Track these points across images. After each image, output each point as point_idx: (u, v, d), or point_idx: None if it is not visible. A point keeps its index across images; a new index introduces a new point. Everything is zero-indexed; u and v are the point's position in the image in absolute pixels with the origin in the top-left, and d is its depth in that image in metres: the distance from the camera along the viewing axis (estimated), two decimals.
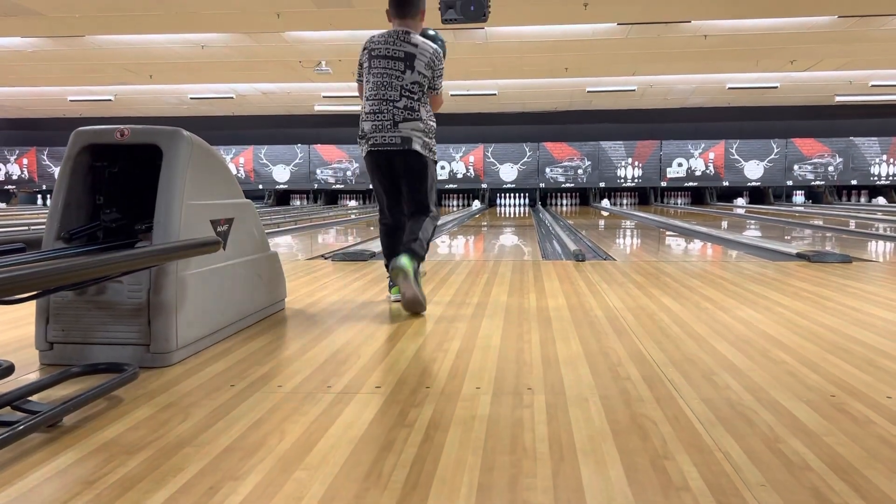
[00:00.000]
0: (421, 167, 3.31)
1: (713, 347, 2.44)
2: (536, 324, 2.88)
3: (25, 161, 18.79)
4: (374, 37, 3.34)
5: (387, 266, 3.47)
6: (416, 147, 3.27)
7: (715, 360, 2.25)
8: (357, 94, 3.55)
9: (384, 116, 3.26)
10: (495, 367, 2.20)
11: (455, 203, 17.93)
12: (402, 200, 3.42)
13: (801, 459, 1.46)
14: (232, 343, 2.53)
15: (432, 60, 3.29)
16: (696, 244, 7.23)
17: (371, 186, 3.66)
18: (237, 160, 18.27)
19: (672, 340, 2.55)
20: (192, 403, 1.85)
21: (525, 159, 17.60)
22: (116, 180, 2.44)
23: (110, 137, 2.35)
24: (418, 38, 3.31)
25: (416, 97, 3.26)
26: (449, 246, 7.09)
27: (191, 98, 15.32)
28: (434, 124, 3.38)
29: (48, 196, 18.44)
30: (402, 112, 3.25)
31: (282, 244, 7.24)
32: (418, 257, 3.20)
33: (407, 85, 3.25)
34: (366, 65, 3.35)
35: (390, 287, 3.55)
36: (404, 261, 3.10)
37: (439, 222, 3.98)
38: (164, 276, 2.22)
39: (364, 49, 3.36)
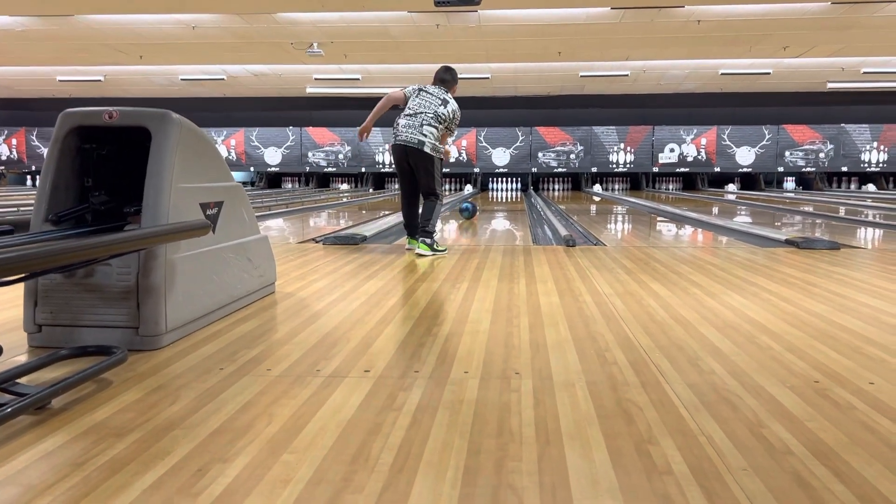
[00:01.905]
0: (428, 163, 4.69)
1: (700, 333, 2.46)
2: (526, 308, 2.89)
3: (14, 141, 18.61)
4: (428, 85, 4.87)
5: (405, 226, 4.97)
6: (426, 150, 4.66)
7: (701, 346, 2.27)
8: (392, 94, 4.76)
9: (416, 120, 4.68)
10: (484, 351, 2.21)
11: (447, 187, 17.87)
12: (417, 183, 4.81)
13: (783, 444, 1.48)
14: (221, 326, 2.53)
15: (455, 114, 4.80)
16: (687, 230, 7.25)
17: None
18: (228, 142, 18.15)
19: (659, 326, 2.57)
20: (181, 386, 1.85)
21: (518, 144, 17.57)
22: (105, 163, 2.43)
23: (99, 119, 2.33)
24: (453, 100, 4.85)
25: (440, 120, 4.72)
26: (441, 230, 7.09)
27: (181, 79, 15.18)
28: (442, 147, 4.78)
29: (38, 177, 18.29)
30: (430, 119, 4.67)
31: (273, 227, 7.22)
32: (429, 235, 4.71)
33: (440, 111, 4.72)
34: (416, 92, 4.80)
35: (408, 240, 4.98)
36: (421, 247, 4.68)
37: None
38: (153, 260, 2.22)
39: (417, 87, 4.84)
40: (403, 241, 5.53)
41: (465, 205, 8.13)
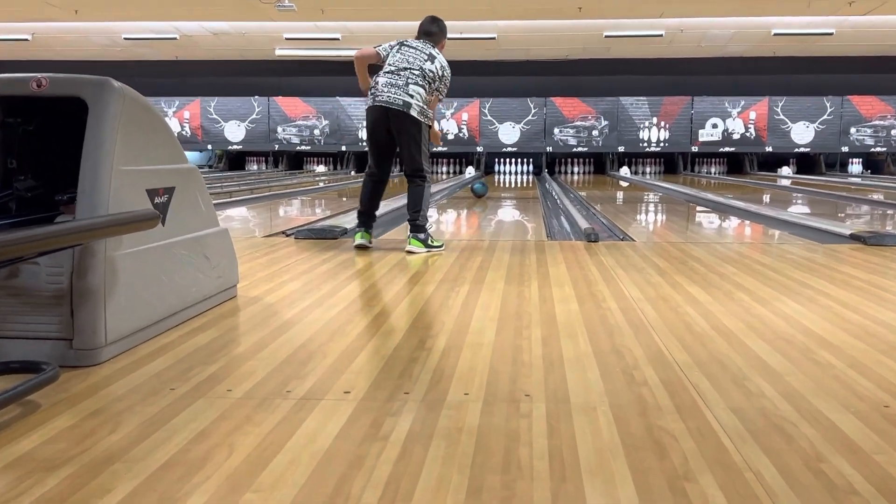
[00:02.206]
0: (415, 130, 4.60)
1: (746, 346, 2.47)
2: (538, 317, 2.90)
3: None
4: (409, 39, 4.80)
5: (360, 213, 4.83)
6: (414, 113, 4.55)
7: (748, 362, 2.28)
8: (359, 53, 4.73)
9: (400, 78, 4.58)
10: (488, 368, 2.22)
11: (445, 170, 17.91)
12: (399, 158, 4.83)
13: (845, 482, 1.48)
14: (172, 338, 2.53)
15: (444, 71, 4.74)
16: (732, 222, 7.27)
17: (366, 144, 5.02)
18: (181, 114, 18.16)
19: (698, 338, 2.58)
20: (124, 410, 1.85)
21: (529, 118, 17.59)
22: (32, 140, 2.43)
23: (25, 88, 2.32)
24: (441, 55, 4.79)
25: (427, 78, 4.63)
26: (437, 222, 7.09)
27: (125, 38, 15.16)
28: (430, 113, 4.71)
29: None
30: (416, 77, 4.58)
31: (234, 217, 7.23)
32: (421, 229, 4.65)
33: (426, 67, 4.65)
34: (395, 47, 4.73)
35: (357, 233, 4.79)
36: (412, 243, 4.62)
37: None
38: (91, 258, 2.21)
39: (396, 42, 4.78)
40: (392, 234, 5.54)
41: (478, 184, 9.89)
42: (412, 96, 4.55)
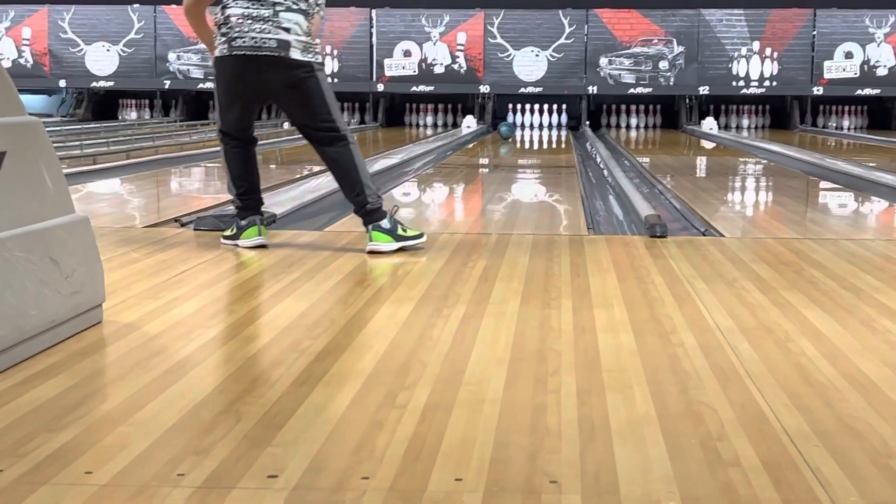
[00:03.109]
0: (308, 78, 4.67)
1: None
2: (572, 357, 2.89)
3: None
4: None
5: (241, 197, 4.92)
6: (296, 54, 4.62)
7: None
8: None
9: (263, 4, 4.57)
10: (492, 439, 2.20)
11: (430, 121, 17.89)
12: (251, 118, 5.08)
13: None
14: (1, 388, 2.51)
15: None
16: (875, 206, 7.27)
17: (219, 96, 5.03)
18: (17, 33, 18.08)
19: (821, 392, 2.57)
20: None
21: (562, 41, 17.58)
22: None
23: None
24: None
25: None
26: (417, 203, 7.08)
27: None
28: (318, 45, 4.83)
29: None
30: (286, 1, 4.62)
31: (101, 197, 7.22)
32: (379, 213, 4.64)
33: None
34: None
35: (239, 231, 4.79)
36: (377, 240, 4.58)
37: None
38: None
39: None
40: (345, 224, 5.54)
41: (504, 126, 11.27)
42: (288, 29, 4.61)
